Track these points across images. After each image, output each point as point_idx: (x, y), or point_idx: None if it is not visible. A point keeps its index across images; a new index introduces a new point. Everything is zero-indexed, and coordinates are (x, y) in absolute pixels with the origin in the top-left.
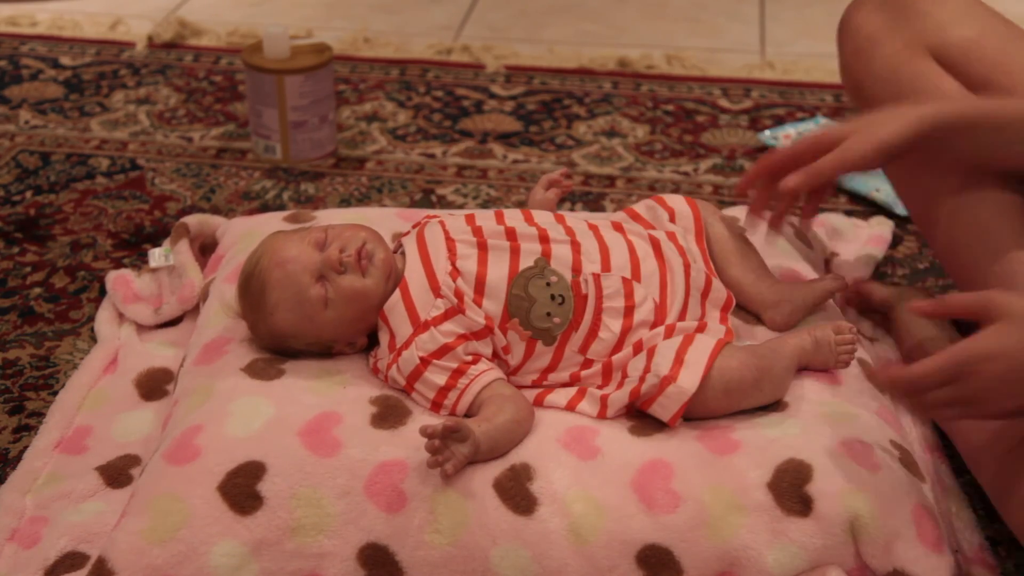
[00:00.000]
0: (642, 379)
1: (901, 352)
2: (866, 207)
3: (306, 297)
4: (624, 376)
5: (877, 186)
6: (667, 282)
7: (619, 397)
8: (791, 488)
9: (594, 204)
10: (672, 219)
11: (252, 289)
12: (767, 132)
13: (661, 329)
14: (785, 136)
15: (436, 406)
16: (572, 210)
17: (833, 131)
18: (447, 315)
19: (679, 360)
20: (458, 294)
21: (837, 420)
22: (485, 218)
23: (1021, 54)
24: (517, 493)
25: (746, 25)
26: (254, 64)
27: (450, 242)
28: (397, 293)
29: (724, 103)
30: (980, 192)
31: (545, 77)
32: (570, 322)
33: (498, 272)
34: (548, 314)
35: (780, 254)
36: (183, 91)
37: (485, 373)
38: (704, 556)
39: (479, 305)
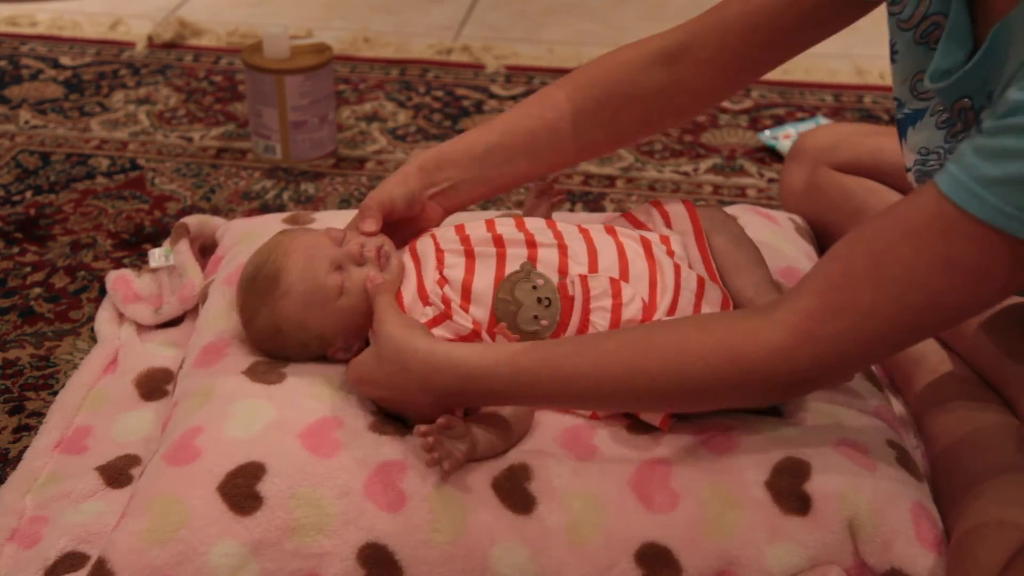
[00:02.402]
0: None
1: None
2: None
3: (323, 283)
4: None
5: None
6: (656, 281)
7: None
8: (789, 486)
9: (594, 204)
10: (667, 223)
11: (263, 275)
12: (767, 132)
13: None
14: (785, 136)
15: None
16: (572, 210)
17: None
18: (436, 321)
19: None
20: (445, 301)
21: (835, 419)
22: (475, 227)
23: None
24: (515, 492)
25: None
26: (254, 64)
27: (439, 253)
28: None
29: (724, 103)
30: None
31: (545, 77)
32: (558, 324)
33: (484, 278)
34: (535, 317)
35: (787, 253)
36: (183, 91)
37: None
38: (703, 554)
39: (466, 311)
